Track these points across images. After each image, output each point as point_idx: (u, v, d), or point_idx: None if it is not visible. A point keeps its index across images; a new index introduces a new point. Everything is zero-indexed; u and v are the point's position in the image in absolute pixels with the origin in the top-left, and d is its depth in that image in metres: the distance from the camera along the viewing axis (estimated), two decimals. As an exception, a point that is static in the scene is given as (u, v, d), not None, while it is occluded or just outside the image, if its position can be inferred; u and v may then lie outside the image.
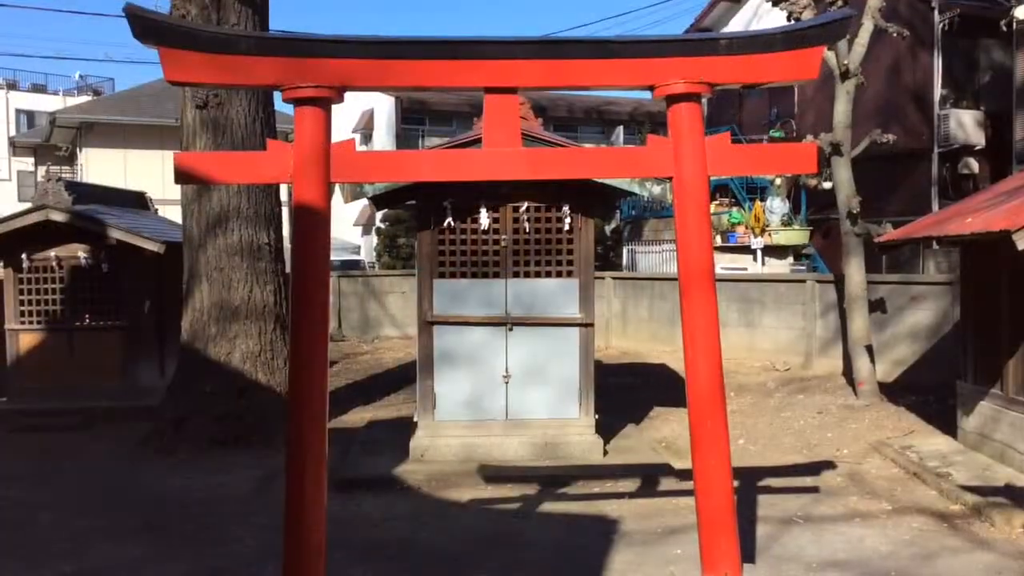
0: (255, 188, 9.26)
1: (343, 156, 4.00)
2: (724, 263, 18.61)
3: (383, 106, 29.50)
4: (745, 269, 17.82)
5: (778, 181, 18.23)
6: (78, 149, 31.03)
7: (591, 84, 4.19)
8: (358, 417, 10.22)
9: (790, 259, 17.85)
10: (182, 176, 3.90)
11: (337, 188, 8.89)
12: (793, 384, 11.62)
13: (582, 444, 7.92)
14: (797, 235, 17.62)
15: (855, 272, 10.58)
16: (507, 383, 7.91)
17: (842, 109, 10.56)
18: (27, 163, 39.74)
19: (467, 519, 6.55)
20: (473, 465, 7.65)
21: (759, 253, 17.59)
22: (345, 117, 30.57)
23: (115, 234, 10.35)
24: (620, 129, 29.73)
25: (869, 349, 10.54)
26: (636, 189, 7.53)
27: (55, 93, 46.03)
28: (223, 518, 6.68)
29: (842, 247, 10.81)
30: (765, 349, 13.24)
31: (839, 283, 11.97)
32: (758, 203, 17.75)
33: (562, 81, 4.15)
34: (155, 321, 11.02)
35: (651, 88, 4.19)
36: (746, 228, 18.17)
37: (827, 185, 17.92)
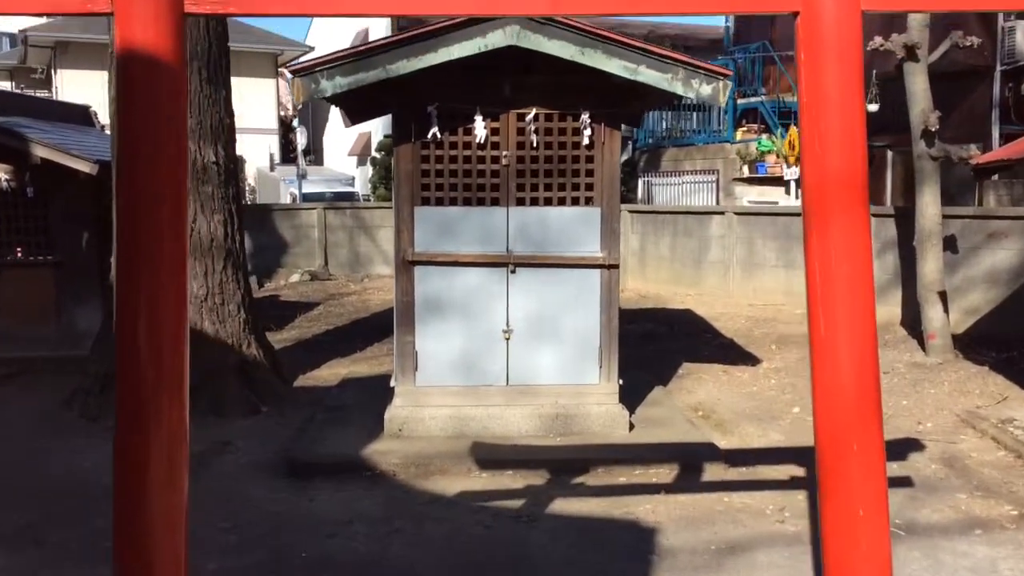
0: (198, 93, 7.47)
1: (212, -31, 2.26)
2: (752, 196, 16.83)
3: (379, 27, 27.38)
4: (776, 203, 16.01)
5: (816, 103, 16.24)
6: (53, 71, 28.99)
7: None
8: (331, 373, 8.58)
9: (827, 191, 15.99)
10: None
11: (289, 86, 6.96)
12: (845, 335, 9.92)
13: (602, 416, 6.28)
14: (836, 164, 15.70)
15: (929, 203, 8.79)
16: (508, 339, 6.23)
17: (921, 3, 8.61)
18: (6, 88, 37.64)
19: (453, 523, 4.92)
20: (464, 443, 6.01)
21: (793, 184, 15.75)
22: (340, 39, 28.46)
23: (38, 151, 8.58)
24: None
25: (943, 296, 8.81)
26: (679, 90, 5.72)
27: (37, 15, 43.69)
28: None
29: (915, 174, 8.99)
30: (807, 293, 11.53)
31: (899, 217, 10.21)
32: (793, 128, 15.83)
33: None
34: (95, 256, 9.32)
35: None
36: (778, 157, 16.31)
37: (872, 108, 16.02)
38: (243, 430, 6.73)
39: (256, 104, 27.98)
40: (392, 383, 6.34)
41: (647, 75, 5.64)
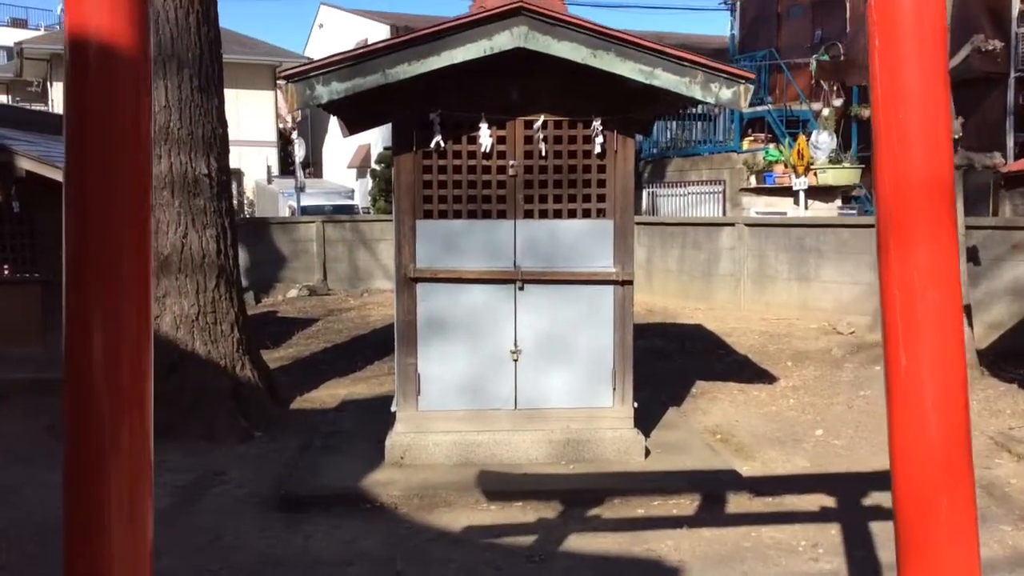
0: (189, 102, 7.13)
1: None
2: (759, 207, 16.49)
3: (378, 35, 27.13)
4: (784, 214, 15.65)
5: (826, 112, 15.91)
6: (49, 84, 28.73)
7: None
8: (329, 394, 8.20)
9: (838, 202, 15.64)
10: None
11: (280, 94, 6.60)
12: (863, 351, 9.55)
13: (617, 441, 5.90)
14: (847, 174, 15.36)
15: (952, 213, 8.41)
16: (516, 361, 5.86)
17: (941, 6, 8.27)
18: (3, 101, 37.42)
19: (460, 563, 4.54)
20: (471, 472, 5.64)
21: (802, 195, 15.38)
22: (340, 49, 28.25)
23: (23, 164, 8.23)
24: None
25: (967, 310, 8.44)
26: (698, 94, 5.37)
27: (36, 28, 43.64)
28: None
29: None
30: (823, 308, 11.16)
31: (918, 228, 9.83)
32: (802, 137, 15.49)
33: None
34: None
35: None
36: (786, 167, 15.94)
37: (883, 116, 15.72)
38: (236, 458, 6.36)
39: (255, 116, 27.73)
40: (393, 407, 5.97)
41: (663, 79, 5.29)
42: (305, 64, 5.33)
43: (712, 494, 5.41)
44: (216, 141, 7.35)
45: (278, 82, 27.70)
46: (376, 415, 6.79)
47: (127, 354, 2.00)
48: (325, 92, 5.20)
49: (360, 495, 5.37)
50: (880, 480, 5.70)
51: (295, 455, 6.25)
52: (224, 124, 7.52)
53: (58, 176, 8.18)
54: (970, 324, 8.49)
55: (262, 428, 6.99)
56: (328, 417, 7.23)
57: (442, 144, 5.73)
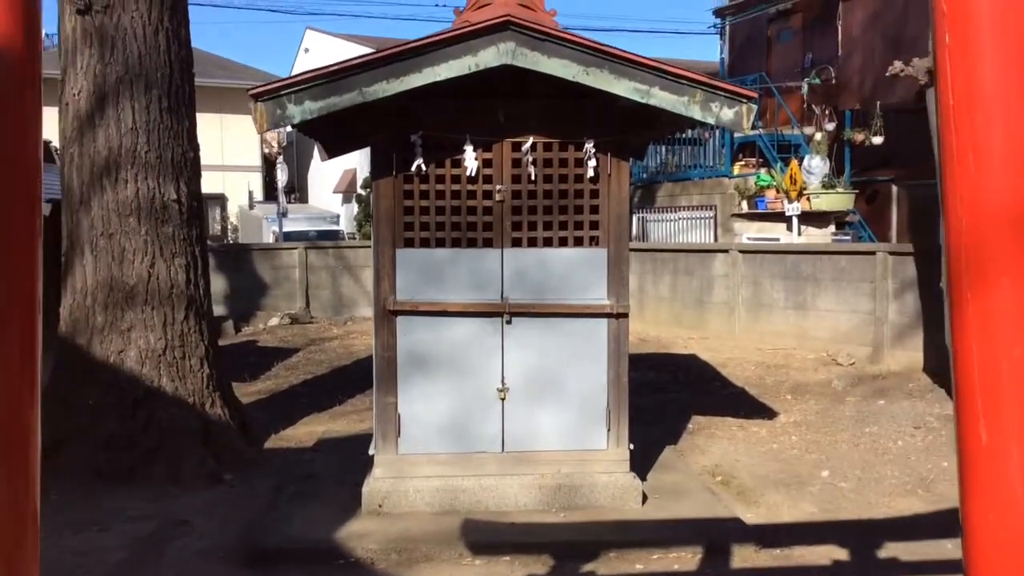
0: (157, 124, 6.74)
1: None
2: (751, 232, 16.17)
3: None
4: (777, 240, 15.33)
5: (818, 136, 15.63)
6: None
7: None
8: (307, 431, 7.77)
9: (831, 227, 15.32)
10: None
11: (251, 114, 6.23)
12: (865, 384, 9.19)
13: (611, 487, 5.49)
14: (841, 199, 15.04)
15: (957, 241, 8.10)
16: (504, 399, 5.46)
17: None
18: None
19: (441, 628, 4.11)
20: (455, 521, 5.21)
21: (795, 220, 15.05)
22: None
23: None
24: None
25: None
26: (697, 114, 5.01)
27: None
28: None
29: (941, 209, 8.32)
30: (820, 337, 10.81)
31: (919, 254, 9.53)
32: (794, 162, 15.19)
33: None
34: (46, 305, 8.51)
35: None
36: (778, 192, 15.63)
37: (877, 140, 15.47)
38: (203, 504, 5.91)
39: (240, 141, 27.35)
40: (371, 450, 5.55)
41: (660, 98, 4.94)
42: (275, 81, 4.94)
43: (715, 545, 4.99)
44: (187, 165, 6.96)
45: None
46: (355, 455, 6.36)
47: (4, 391, 1.58)
48: (297, 112, 4.82)
49: (334, 548, 4.93)
50: (894, 528, 5.32)
51: (266, 502, 5.80)
52: (196, 147, 7.13)
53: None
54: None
55: (233, 470, 6.55)
56: (304, 458, 6.80)
57: (424, 168, 5.36)
